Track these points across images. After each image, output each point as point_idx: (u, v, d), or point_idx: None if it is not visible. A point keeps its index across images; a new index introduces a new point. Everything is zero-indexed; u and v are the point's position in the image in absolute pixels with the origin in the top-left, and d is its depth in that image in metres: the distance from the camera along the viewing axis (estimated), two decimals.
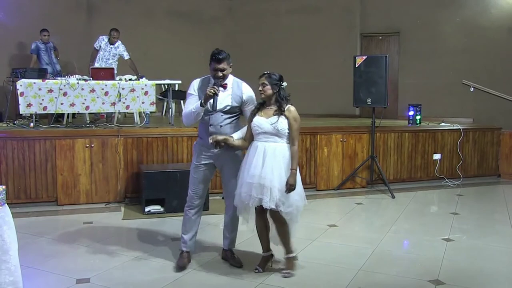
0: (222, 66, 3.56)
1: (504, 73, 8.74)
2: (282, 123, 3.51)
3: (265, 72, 3.61)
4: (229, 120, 3.69)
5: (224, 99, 3.62)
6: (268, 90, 3.56)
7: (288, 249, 3.73)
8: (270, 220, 3.74)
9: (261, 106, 3.65)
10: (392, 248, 4.37)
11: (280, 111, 3.53)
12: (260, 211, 3.64)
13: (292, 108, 3.58)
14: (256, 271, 3.72)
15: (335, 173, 6.73)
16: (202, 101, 3.53)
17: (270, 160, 3.49)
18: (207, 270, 3.80)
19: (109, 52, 7.61)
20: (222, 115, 3.66)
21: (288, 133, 3.54)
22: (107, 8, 9.54)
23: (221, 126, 3.66)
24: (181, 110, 9.13)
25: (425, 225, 5.15)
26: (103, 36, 7.65)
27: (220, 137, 3.57)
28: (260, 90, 3.59)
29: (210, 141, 3.55)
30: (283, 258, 3.77)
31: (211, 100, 3.53)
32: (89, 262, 3.92)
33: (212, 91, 3.48)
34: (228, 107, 3.65)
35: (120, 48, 7.65)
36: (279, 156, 3.51)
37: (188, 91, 3.71)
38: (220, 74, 3.56)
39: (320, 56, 9.92)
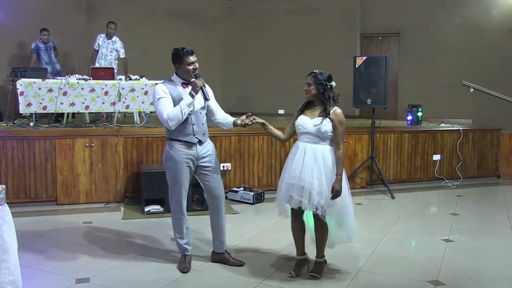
0: (195, 58, 3.64)
1: (504, 74, 8.73)
2: (326, 126, 3.43)
3: (313, 71, 3.55)
4: (205, 117, 3.80)
5: (199, 97, 3.67)
6: (313, 90, 3.50)
7: (320, 253, 3.66)
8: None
9: (307, 105, 3.60)
10: (392, 249, 4.37)
11: (325, 113, 3.46)
12: (296, 213, 3.60)
13: (338, 110, 3.50)
14: (290, 275, 3.62)
15: None
16: (193, 93, 3.55)
17: (309, 162, 3.42)
18: (206, 270, 3.79)
19: (107, 48, 7.62)
20: (201, 113, 3.74)
21: (331, 136, 3.46)
22: (107, 8, 9.53)
23: (202, 124, 3.75)
24: None
25: (424, 226, 5.15)
26: (100, 34, 7.68)
27: (259, 119, 3.61)
28: (305, 90, 3.54)
29: (248, 121, 3.58)
30: (313, 260, 3.71)
31: (200, 92, 3.61)
32: (89, 262, 3.91)
33: (201, 83, 3.58)
34: (203, 104, 3.74)
35: (117, 43, 7.66)
36: (320, 158, 3.43)
37: (158, 96, 3.60)
38: (197, 66, 3.63)
39: (320, 56, 9.90)
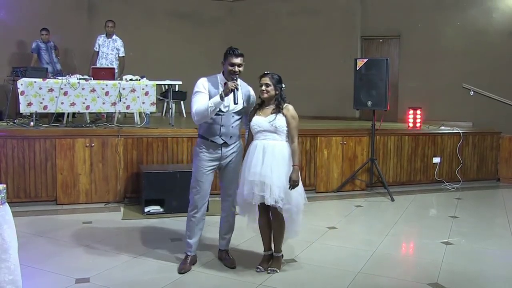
0: (240, 61, 3.59)
1: (504, 77, 8.73)
2: (280, 121, 3.57)
3: (267, 72, 3.66)
4: (238, 122, 3.75)
5: (232, 99, 3.60)
6: (272, 90, 3.61)
7: (278, 248, 3.77)
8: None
9: (260, 106, 3.71)
10: (391, 251, 4.37)
11: (278, 109, 3.59)
12: (264, 209, 3.67)
13: (290, 106, 3.64)
14: (258, 270, 3.73)
15: (334, 175, 6.73)
16: (223, 95, 3.48)
17: (269, 158, 3.54)
18: (207, 270, 3.79)
19: (108, 47, 7.61)
20: (233, 116, 3.69)
21: (287, 130, 3.59)
22: (107, 7, 9.54)
23: (232, 127, 3.71)
24: (181, 111, 9.16)
25: (424, 228, 5.16)
26: (100, 35, 7.68)
27: None
28: (263, 90, 3.61)
29: None
30: (273, 255, 3.82)
31: (231, 95, 3.52)
32: (89, 262, 3.91)
33: (233, 85, 3.49)
34: (240, 108, 3.69)
35: (118, 42, 7.66)
36: (278, 154, 3.56)
37: (197, 89, 3.62)
38: (238, 69, 3.58)
39: (321, 58, 9.92)
